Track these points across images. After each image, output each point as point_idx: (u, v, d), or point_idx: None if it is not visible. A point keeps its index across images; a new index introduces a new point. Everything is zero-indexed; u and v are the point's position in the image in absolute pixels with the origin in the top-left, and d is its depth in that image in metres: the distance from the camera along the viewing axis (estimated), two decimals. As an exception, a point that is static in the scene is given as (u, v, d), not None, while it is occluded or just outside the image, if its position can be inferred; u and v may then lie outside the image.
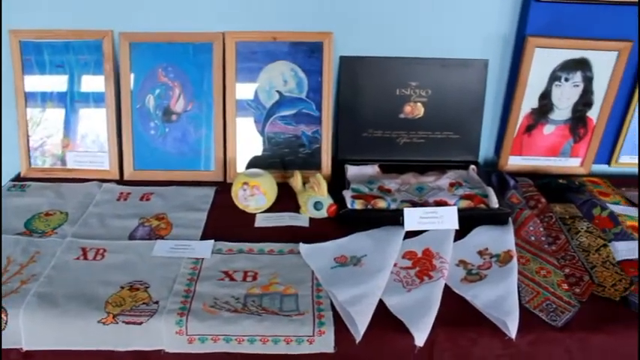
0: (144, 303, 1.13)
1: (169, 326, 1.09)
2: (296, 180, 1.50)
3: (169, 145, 1.61)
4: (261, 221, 1.43)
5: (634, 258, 1.35)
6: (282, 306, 1.14)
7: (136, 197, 1.52)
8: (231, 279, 1.22)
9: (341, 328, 1.10)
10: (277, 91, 1.59)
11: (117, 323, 1.08)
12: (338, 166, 1.64)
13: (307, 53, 1.56)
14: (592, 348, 1.17)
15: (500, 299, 1.17)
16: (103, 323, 1.08)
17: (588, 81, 1.64)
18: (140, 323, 1.08)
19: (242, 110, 1.60)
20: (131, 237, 1.35)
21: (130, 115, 1.59)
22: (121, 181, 1.61)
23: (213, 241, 1.33)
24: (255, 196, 1.43)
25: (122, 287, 1.17)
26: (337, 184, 1.54)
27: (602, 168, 1.82)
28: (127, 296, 1.14)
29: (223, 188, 1.55)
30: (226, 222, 1.43)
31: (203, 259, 1.27)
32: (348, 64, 1.59)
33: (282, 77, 1.58)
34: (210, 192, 1.55)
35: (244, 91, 1.59)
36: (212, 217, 1.45)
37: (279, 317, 1.11)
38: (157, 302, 1.13)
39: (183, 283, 1.19)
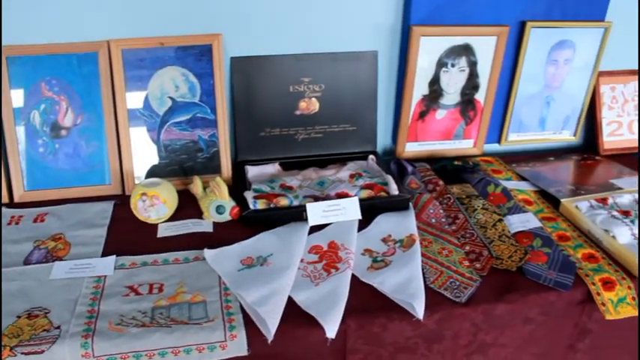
0: (44, 330, 1.08)
1: (74, 350, 1.04)
2: (196, 186, 1.48)
3: (61, 161, 1.54)
4: (163, 231, 1.40)
5: (526, 229, 1.43)
6: (191, 314, 1.12)
7: (29, 219, 1.44)
8: (137, 293, 1.18)
9: (252, 330, 1.10)
10: (169, 97, 1.55)
11: (15, 356, 1.03)
12: (239, 167, 1.62)
13: (197, 56, 1.54)
14: (495, 318, 1.23)
15: (405, 283, 1.21)
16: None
17: (473, 65, 1.71)
18: (42, 352, 1.03)
19: (135, 120, 1.55)
20: (26, 262, 1.28)
21: (15, 134, 1.51)
22: (11, 204, 1.52)
23: (115, 256, 1.29)
24: (155, 206, 1.40)
25: (19, 316, 1.11)
26: (239, 185, 1.54)
27: (494, 147, 1.90)
28: (24, 325, 1.08)
29: (122, 201, 1.50)
30: (128, 235, 1.38)
31: (106, 276, 1.23)
32: (239, 64, 1.58)
33: (173, 83, 1.55)
34: (108, 206, 1.49)
35: (135, 99, 1.54)
36: (113, 232, 1.40)
37: (188, 326, 1.09)
38: (58, 327, 1.08)
39: (86, 303, 1.15)
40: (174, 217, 1.44)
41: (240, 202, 1.43)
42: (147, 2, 1.50)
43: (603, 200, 1.53)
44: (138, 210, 1.41)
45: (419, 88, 1.71)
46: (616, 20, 1.73)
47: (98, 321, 1.10)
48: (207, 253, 1.29)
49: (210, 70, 1.55)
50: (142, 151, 1.57)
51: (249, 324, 1.11)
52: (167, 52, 1.53)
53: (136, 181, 1.57)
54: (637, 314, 1.26)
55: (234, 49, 1.58)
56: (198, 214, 1.45)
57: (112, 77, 1.52)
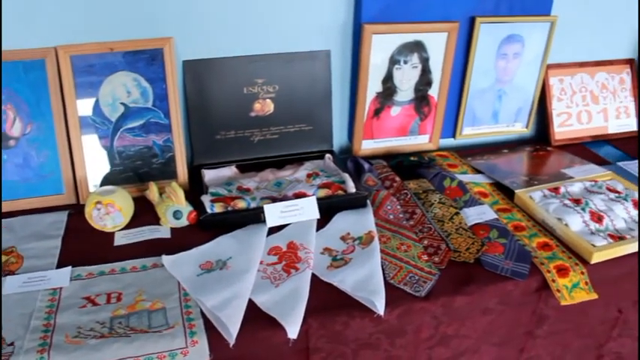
0: (-3, 347, 1.05)
1: (30, 366, 1.02)
2: (152, 192, 1.46)
3: (10, 172, 1.50)
4: (120, 239, 1.37)
5: (483, 221, 1.46)
6: (151, 322, 1.11)
7: (-21, 234, 1.40)
8: (94, 304, 1.16)
9: (214, 335, 1.09)
10: (122, 103, 1.52)
11: (-35, 376, 1.00)
12: (195, 171, 1.61)
13: (148, 61, 1.51)
14: (455, 310, 1.25)
15: (365, 280, 1.22)
16: (-51, 381, 1.00)
17: (425, 61, 1.73)
18: (-6, 370, 1.01)
19: (87, 127, 1.51)
20: (-24, 278, 1.24)
21: (-40, 146, 1.47)
22: (-41, 219, 1.48)
23: (70, 267, 1.26)
24: (110, 214, 1.37)
25: (-31, 335, 1.08)
26: (196, 190, 1.52)
27: (449, 141, 1.93)
28: (-25, 344, 1.05)
29: (77, 211, 1.47)
30: (83, 245, 1.35)
31: (61, 288, 1.20)
32: (191, 67, 1.56)
33: (124, 88, 1.52)
34: (62, 217, 1.46)
35: (86, 106, 1.51)
36: (67, 242, 1.37)
37: (148, 335, 1.07)
38: (12, 344, 1.05)
39: (41, 317, 1.12)
40: (130, 225, 1.42)
41: (198, 206, 1.42)
42: (95, 7, 1.46)
43: (555, 190, 1.57)
44: (93, 219, 1.39)
45: (373, 86, 1.71)
46: (561, 14, 1.78)
47: (54, 335, 1.07)
48: (166, 259, 1.27)
49: (162, 75, 1.53)
50: (96, 159, 1.54)
51: (211, 329, 1.10)
52: (117, 57, 1.50)
53: (91, 190, 1.53)
54: (590, 298, 1.29)
55: (186, 53, 1.57)
56: (155, 220, 1.44)
57: (60, 84, 1.49)
